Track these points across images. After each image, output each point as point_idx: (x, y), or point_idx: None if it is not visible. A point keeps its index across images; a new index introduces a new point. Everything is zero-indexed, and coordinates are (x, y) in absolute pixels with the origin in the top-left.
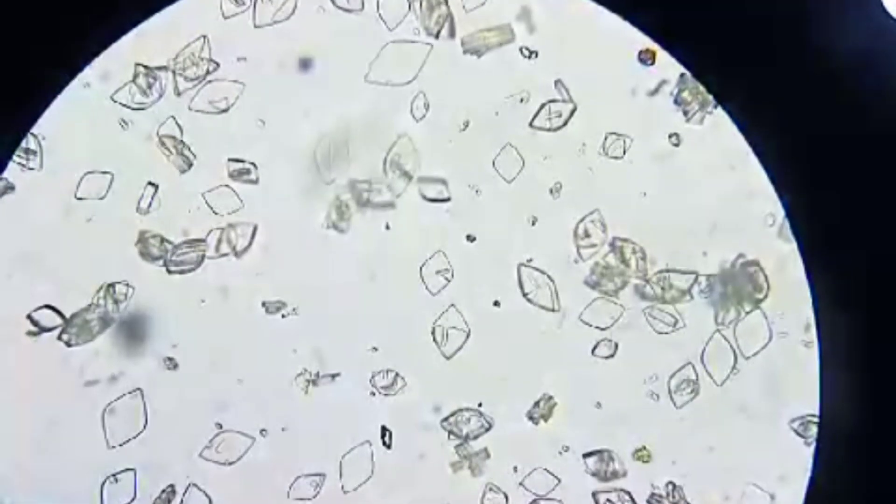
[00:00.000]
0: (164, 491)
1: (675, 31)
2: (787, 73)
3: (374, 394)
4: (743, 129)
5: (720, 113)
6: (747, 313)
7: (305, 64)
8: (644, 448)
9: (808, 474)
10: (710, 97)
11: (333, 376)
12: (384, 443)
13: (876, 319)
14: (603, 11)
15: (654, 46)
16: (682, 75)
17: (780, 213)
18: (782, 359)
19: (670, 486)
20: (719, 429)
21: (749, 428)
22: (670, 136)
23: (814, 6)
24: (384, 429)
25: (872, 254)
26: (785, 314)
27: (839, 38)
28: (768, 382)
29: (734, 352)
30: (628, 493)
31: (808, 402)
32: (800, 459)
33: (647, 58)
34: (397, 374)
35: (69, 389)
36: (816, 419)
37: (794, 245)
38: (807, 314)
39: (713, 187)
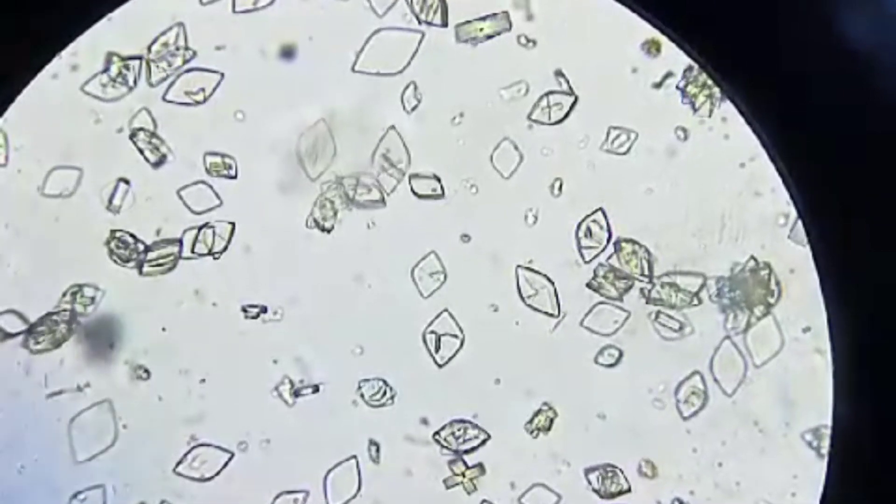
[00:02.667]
0: None
1: (681, 21)
2: (800, 66)
3: (361, 405)
4: (752, 124)
5: (729, 107)
6: (758, 319)
7: (288, 52)
8: (649, 462)
9: (821, 488)
10: (717, 90)
11: (317, 386)
12: (372, 457)
13: (892, 324)
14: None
15: (659, 37)
16: (688, 67)
17: (792, 212)
18: (794, 367)
19: (677, 503)
20: (728, 441)
21: (759, 440)
22: (677, 131)
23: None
24: (372, 442)
25: (888, 256)
26: (797, 320)
27: (854, 33)
28: (779, 392)
29: (744, 360)
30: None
31: (821, 411)
32: (812, 472)
33: (650, 49)
34: (386, 384)
35: (33, 400)
36: (829, 430)
37: (807, 247)
38: (819, 319)
39: (722, 185)
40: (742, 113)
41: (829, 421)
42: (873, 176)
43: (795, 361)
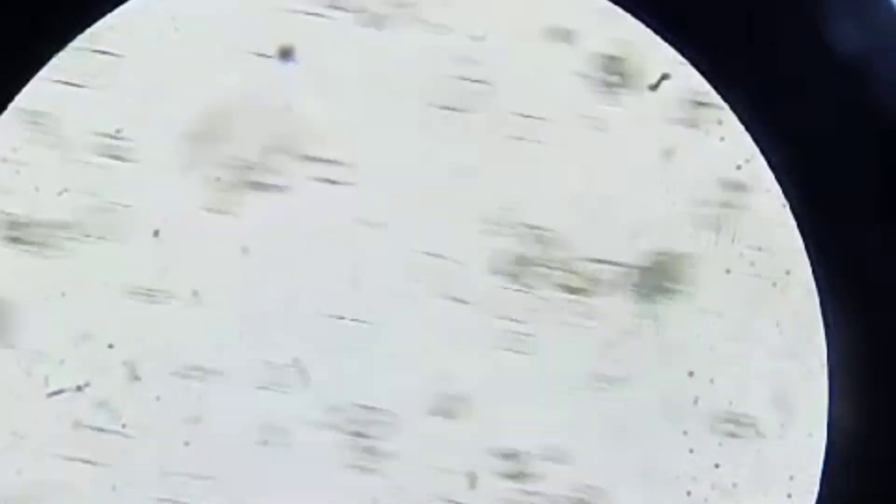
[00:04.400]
0: None
1: (675, 23)
2: (796, 67)
3: (264, 391)
4: (748, 126)
5: (657, 95)
6: (666, 307)
7: (187, 28)
8: (562, 448)
9: (817, 489)
10: (643, 80)
11: (218, 372)
12: (277, 444)
13: (889, 326)
14: None
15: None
16: (606, 54)
17: (788, 214)
18: (791, 369)
19: (590, 490)
20: (725, 443)
21: (756, 441)
22: (593, 119)
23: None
24: (276, 429)
25: (885, 258)
26: (793, 321)
27: (849, 34)
28: (776, 393)
29: (657, 346)
30: (545, 497)
31: (817, 414)
32: (809, 474)
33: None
34: (292, 369)
35: (32, 401)
36: (825, 431)
37: (803, 249)
38: (816, 321)
39: (639, 173)
40: (737, 114)
41: (825, 423)
42: (870, 178)
43: (792, 364)
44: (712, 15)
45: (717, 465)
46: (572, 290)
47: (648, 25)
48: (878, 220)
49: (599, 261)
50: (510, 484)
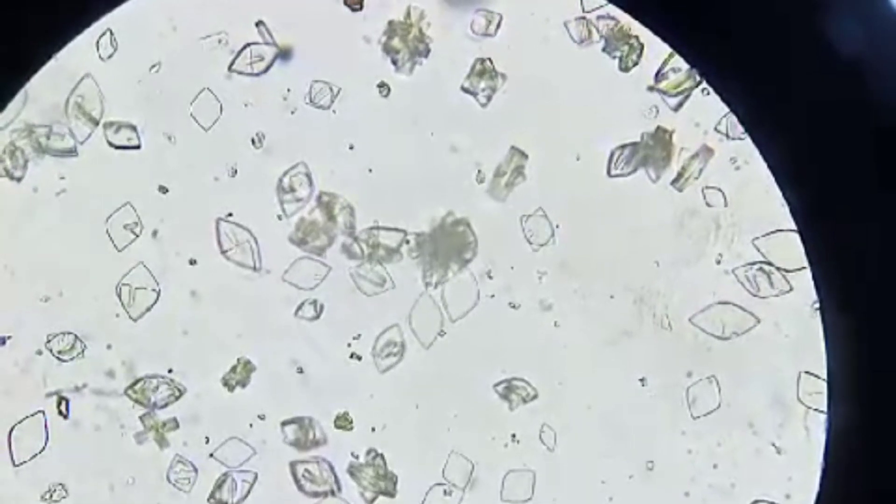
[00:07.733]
0: None
1: (675, 24)
2: (795, 68)
3: (49, 358)
4: (745, 124)
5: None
6: (455, 273)
7: None
8: (346, 414)
9: (816, 489)
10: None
11: (3, 338)
12: (60, 412)
13: (887, 325)
14: None
15: None
16: (390, 22)
17: (787, 214)
18: (788, 369)
19: (371, 455)
20: (723, 443)
21: (754, 441)
22: (380, 87)
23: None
24: (60, 397)
25: (883, 257)
26: (792, 320)
27: (849, 35)
28: (773, 393)
29: (441, 313)
30: (328, 462)
31: (815, 413)
32: (807, 473)
33: (354, 4)
34: (77, 337)
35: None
36: (823, 431)
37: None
38: (814, 320)
39: (423, 140)
40: (737, 114)
41: (823, 423)
42: (869, 178)
43: (789, 363)
44: (711, 17)
45: (714, 466)
46: (362, 257)
47: (647, 26)
48: (877, 220)
49: (388, 228)
50: None
